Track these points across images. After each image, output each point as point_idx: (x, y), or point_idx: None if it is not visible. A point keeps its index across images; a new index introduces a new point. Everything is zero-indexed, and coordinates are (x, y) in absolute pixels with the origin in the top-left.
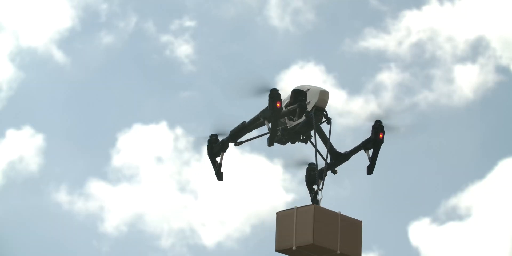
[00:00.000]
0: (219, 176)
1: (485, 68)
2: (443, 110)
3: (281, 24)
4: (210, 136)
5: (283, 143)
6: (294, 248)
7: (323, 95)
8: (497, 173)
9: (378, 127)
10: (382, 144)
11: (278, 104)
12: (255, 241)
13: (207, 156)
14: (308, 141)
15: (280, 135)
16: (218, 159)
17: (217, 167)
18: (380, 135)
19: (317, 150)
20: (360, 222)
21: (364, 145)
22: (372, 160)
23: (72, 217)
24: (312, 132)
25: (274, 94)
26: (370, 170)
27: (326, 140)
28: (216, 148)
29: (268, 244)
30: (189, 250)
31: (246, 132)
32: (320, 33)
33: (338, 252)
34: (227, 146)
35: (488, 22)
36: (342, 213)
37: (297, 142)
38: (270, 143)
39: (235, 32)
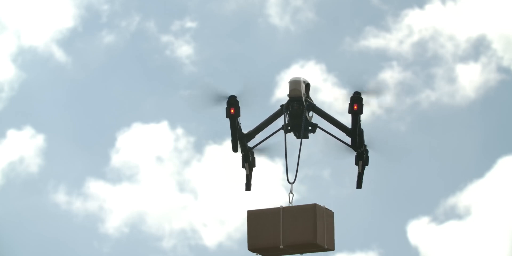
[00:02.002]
0: (248, 186)
1: (487, 67)
2: (445, 109)
3: (281, 23)
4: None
5: (305, 137)
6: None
7: (291, 85)
8: (496, 171)
9: (353, 98)
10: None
11: (231, 111)
12: None
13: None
14: (316, 129)
15: (285, 133)
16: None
17: (247, 179)
18: (355, 107)
19: (330, 132)
20: (313, 205)
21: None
22: (352, 134)
23: (72, 218)
24: (323, 121)
25: (230, 101)
26: (353, 144)
27: (334, 121)
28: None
29: None
30: (190, 250)
31: (247, 140)
32: (321, 32)
33: (281, 246)
34: (247, 158)
35: (491, 21)
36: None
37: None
38: (233, 149)
39: (236, 32)
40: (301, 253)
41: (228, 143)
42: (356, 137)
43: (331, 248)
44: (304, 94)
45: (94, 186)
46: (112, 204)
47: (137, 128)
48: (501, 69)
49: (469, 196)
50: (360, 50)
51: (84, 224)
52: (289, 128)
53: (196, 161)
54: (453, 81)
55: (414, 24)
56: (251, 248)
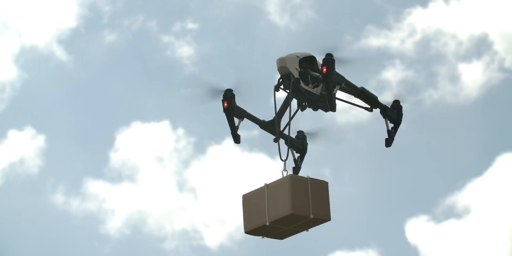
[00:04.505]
0: (296, 172)
1: (490, 66)
2: (446, 108)
3: (281, 22)
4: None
5: (331, 107)
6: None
7: (277, 64)
8: (495, 170)
9: (324, 61)
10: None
11: (225, 104)
12: (257, 240)
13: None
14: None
15: (302, 110)
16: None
17: (294, 163)
18: (324, 69)
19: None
20: (287, 177)
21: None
22: (328, 96)
23: (72, 218)
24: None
25: (226, 94)
26: (330, 106)
27: (355, 89)
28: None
29: (270, 244)
30: (191, 251)
31: (273, 127)
32: (321, 30)
33: (267, 223)
34: (288, 144)
35: (494, 21)
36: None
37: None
38: (234, 141)
39: (236, 32)
40: (298, 230)
41: (229, 142)
42: (332, 102)
43: (323, 218)
44: (297, 69)
45: (94, 186)
46: (112, 205)
47: (137, 127)
48: (503, 69)
49: (468, 194)
50: (362, 49)
51: (84, 225)
52: (304, 104)
53: (197, 160)
54: (456, 80)
55: (417, 23)
56: (246, 230)
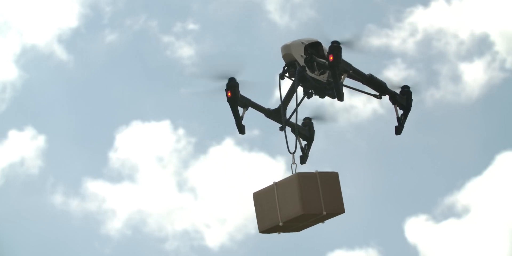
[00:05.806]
0: (303, 160)
1: (491, 65)
2: (447, 107)
3: (282, 21)
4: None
5: (338, 97)
6: (281, 224)
7: (281, 51)
8: (494, 169)
9: (331, 48)
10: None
11: (228, 94)
12: (258, 241)
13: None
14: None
15: (308, 98)
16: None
17: (302, 151)
18: (330, 58)
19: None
20: (294, 175)
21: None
22: (335, 85)
23: (73, 218)
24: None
25: (229, 83)
26: (338, 95)
27: (362, 77)
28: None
29: (271, 243)
30: (192, 251)
31: (278, 116)
32: (322, 29)
33: (280, 224)
34: (295, 131)
35: (495, 21)
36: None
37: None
38: (239, 131)
39: (237, 33)
40: (313, 223)
41: (229, 142)
42: (340, 91)
43: (337, 211)
44: (302, 56)
45: (94, 186)
46: (112, 205)
47: (137, 127)
48: (505, 68)
49: (468, 194)
50: (362, 48)
51: (84, 225)
52: (310, 91)
53: (197, 160)
54: (457, 79)
55: (418, 22)
56: (261, 230)
